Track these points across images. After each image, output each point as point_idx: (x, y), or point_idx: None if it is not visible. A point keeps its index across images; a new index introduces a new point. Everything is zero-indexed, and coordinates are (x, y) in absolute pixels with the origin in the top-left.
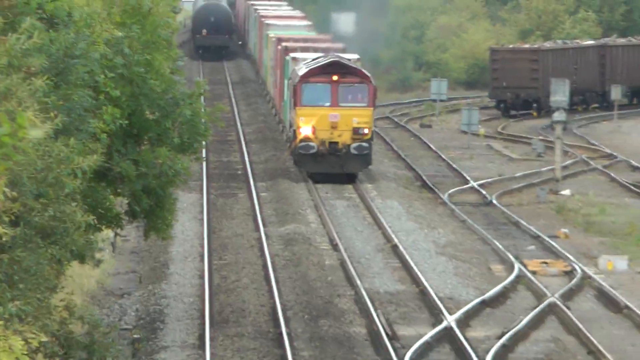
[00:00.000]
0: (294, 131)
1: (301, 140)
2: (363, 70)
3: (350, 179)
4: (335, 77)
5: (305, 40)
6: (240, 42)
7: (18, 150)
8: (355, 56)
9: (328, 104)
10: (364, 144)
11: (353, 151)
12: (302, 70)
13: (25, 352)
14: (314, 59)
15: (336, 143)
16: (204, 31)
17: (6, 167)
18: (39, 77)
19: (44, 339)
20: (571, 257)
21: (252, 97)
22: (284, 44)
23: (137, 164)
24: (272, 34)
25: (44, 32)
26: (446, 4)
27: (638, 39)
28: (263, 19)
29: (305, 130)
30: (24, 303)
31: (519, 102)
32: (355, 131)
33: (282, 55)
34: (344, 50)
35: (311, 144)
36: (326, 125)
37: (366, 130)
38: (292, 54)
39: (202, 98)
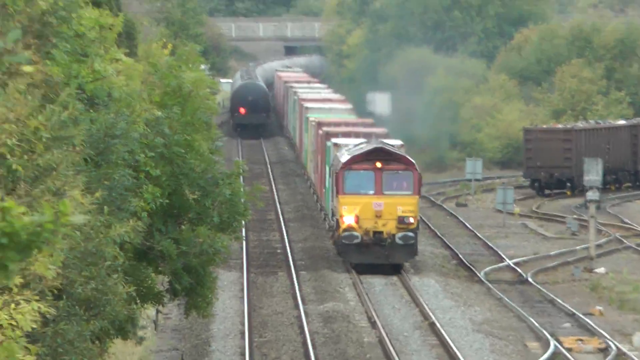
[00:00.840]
0: (337, 220)
1: (344, 230)
2: (407, 156)
3: (395, 269)
4: (379, 164)
5: (347, 124)
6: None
7: (60, 235)
8: (398, 142)
9: (372, 192)
10: (410, 234)
11: (398, 241)
12: (344, 156)
13: None
14: (356, 145)
15: (381, 232)
16: (242, 110)
17: (49, 252)
18: (80, 153)
19: None
20: (606, 334)
21: (290, 177)
22: (325, 128)
23: (177, 243)
24: (312, 117)
25: (86, 114)
26: (480, 85)
27: None
28: (303, 102)
29: (348, 219)
30: None
31: (553, 181)
32: (401, 220)
33: (323, 141)
34: (387, 136)
35: (355, 233)
36: (370, 214)
37: (412, 219)
38: (334, 140)
39: (241, 178)
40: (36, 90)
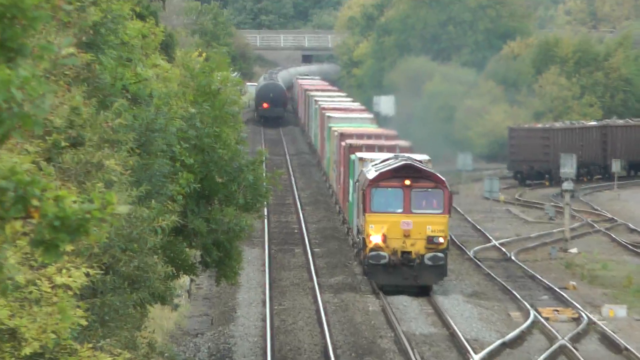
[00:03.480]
0: (363, 239)
1: (371, 250)
2: (437, 174)
3: (423, 292)
4: (407, 182)
5: (369, 136)
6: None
7: (107, 223)
8: (425, 157)
9: (400, 210)
10: (439, 254)
11: (427, 262)
12: (371, 173)
13: None
14: (383, 161)
15: (409, 253)
16: (265, 104)
17: (96, 239)
18: (125, 149)
19: (128, 355)
20: (578, 306)
21: (306, 167)
22: (348, 141)
23: (208, 222)
24: (334, 127)
25: (130, 111)
26: (471, 90)
27: (634, 121)
28: (324, 112)
29: (375, 238)
30: (114, 340)
31: (533, 173)
32: (430, 240)
33: (346, 153)
34: (411, 149)
35: (382, 253)
36: (398, 234)
37: (441, 239)
38: (359, 154)
39: (263, 165)
40: (92, 94)
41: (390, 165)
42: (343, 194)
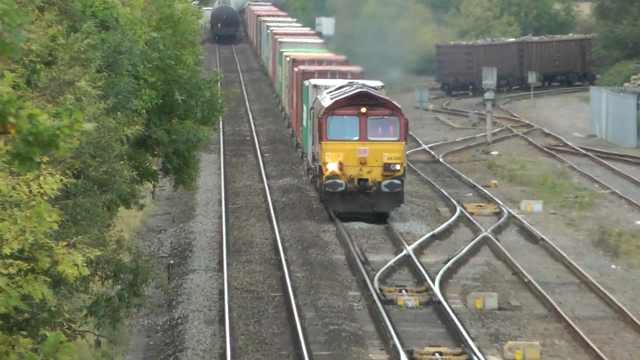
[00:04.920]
0: (320, 167)
1: (328, 177)
2: (393, 101)
3: (380, 219)
4: (363, 110)
5: (321, 61)
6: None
7: (74, 138)
8: (379, 83)
9: (356, 138)
10: (396, 181)
11: (384, 189)
12: (326, 101)
13: (85, 265)
14: (338, 88)
15: (366, 180)
16: (219, 25)
17: (65, 152)
18: (94, 67)
19: (99, 253)
20: (499, 202)
21: (256, 82)
22: (300, 67)
23: (169, 133)
24: (286, 52)
25: (98, 35)
26: (403, 12)
27: (548, 37)
28: (276, 37)
29: (332, 166)
30: (85, 237)
31: (458, 84)
32: (386, 167)
33: (299, 79)
34: (362, 75)
35: (339, 181)
36: (355, 161)
37: (398, 167)
38: (313, 81)
39: (218, 83)
40: (64, 20)
41: (345, 92)
42: (296, 119)
